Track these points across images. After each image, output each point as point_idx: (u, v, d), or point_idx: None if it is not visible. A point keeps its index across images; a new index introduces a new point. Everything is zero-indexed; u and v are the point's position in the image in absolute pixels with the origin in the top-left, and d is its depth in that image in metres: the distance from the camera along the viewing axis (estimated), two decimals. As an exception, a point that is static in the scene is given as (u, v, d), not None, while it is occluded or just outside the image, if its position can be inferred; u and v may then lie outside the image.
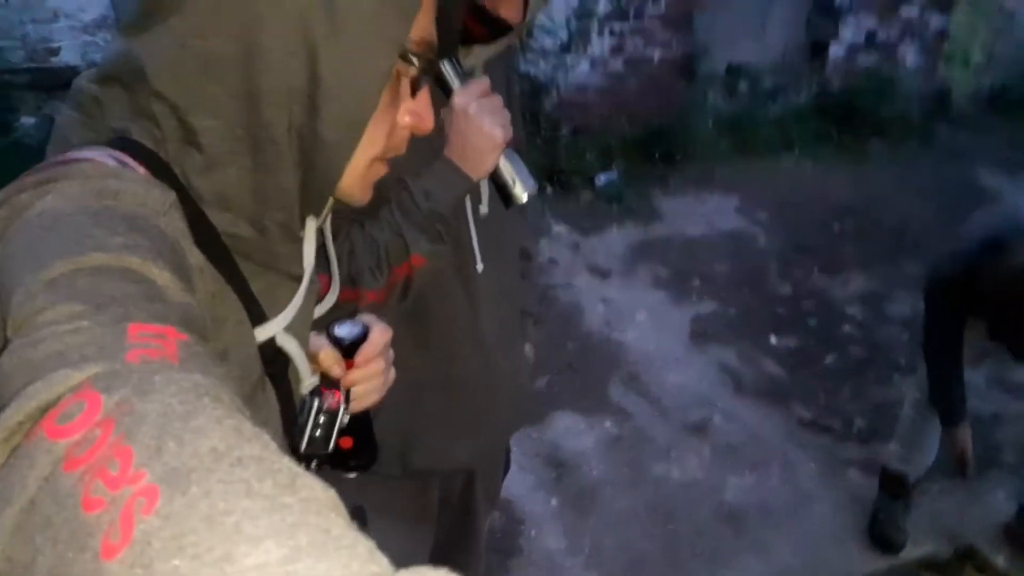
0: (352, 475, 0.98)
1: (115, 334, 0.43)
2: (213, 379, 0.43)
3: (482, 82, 1.17)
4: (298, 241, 0.72)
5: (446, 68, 1.15)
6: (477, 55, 1.23)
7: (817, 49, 5.62)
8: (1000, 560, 2.60)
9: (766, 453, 2.97)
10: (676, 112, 5.05)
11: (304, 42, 0.60)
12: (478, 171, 1.18)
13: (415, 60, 0.68)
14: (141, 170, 0.60)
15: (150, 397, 0.38)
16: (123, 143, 0.62)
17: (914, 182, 5.21)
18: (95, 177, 0.56)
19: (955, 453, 2.33)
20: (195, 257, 0.60)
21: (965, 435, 2.29)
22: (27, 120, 3.49)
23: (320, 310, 0.88)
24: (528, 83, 4.63)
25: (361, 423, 0.95)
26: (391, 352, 0.96)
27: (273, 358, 0.75)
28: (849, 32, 5.64)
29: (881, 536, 2.63)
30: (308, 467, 0.85)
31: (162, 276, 0.51)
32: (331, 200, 0.76)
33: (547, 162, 4.60)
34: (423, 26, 0.68)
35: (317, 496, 0.35)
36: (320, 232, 0.81)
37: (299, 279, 0.75)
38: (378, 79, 0.63)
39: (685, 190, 4.84)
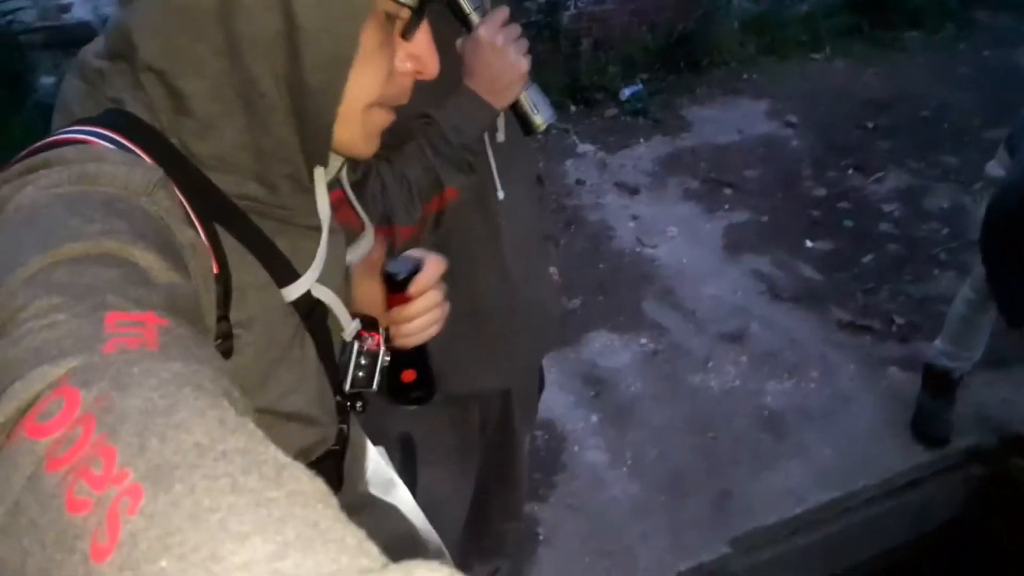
0: (413, 407, 1.02)
1: (92, 325, 0.43)
2: (195, 364, 0.42)
3: (502, 11, 1.16)
4: (309, 192, 0.72)
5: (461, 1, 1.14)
6: None
7: (845, -63, 5.36)
8: (1046, 448, 2.59)
9: (804, 357, 2.96)
10: (699, 16, 4.88)
11: None
12: (503, 102, 1.18)
13: (405, 1, 0.66)
14: (131, 147, 0.60)
15: (130, 391, 0.38)
16: (117, 116, 0.62)
17: (951, 71, 5.01)
18: (75, 162, 0.55)
19: None
20: (186, 235, 0.59)
21: None
22: (46, 80, 3.51)
23: (356, 254, 0.88)
24: (544, -1, 4.51)
25: (421, 356, 0.97)
26: (444, 284, 0.96)
27: (310, 311, 0.75)
28: (878, -84, 5.36)
29: (926, 432, 2.62)
30: (354, 407, 0.88)
31: (144, 257, 0.50)
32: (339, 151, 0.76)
33: (568, 79, 4.51)
34: None
35: (304, 488, 0.34)
36: (339, 182, 0.80)
37: (318, 229, 0.74)
38: (354, 18, 0.61)
39: (713, 97, 4.72)
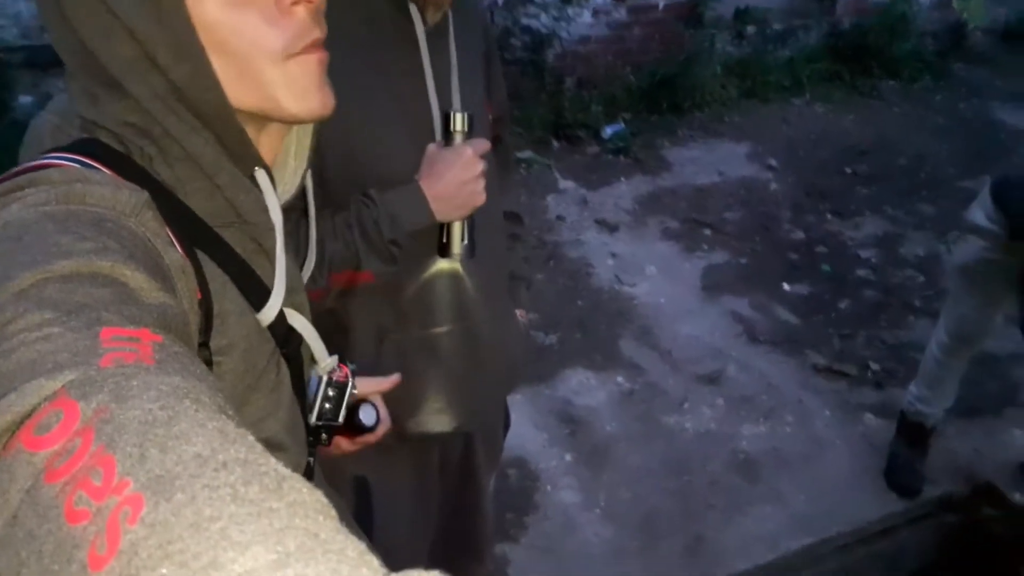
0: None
1: (88, 339, 0.42)
2: (192, 380, 0.42)
3: (484, 143, 1.22)
4: (252, 191, 0.69)
5: (457, 117, 1.18)
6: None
7: (826, -13, 5.48)
8: (1017, 497, 2.59)
9: (780, 401, 2.95)
10: (683, 60, 4.95)
11: (108, 14, 0.58)
12: (443, 216, 1.20)
13: None
14: (109, 172, 0.59)
15: (129, 403, 0.38)
16: (91, 145, 0.61)
17: (928, 121, 5.11)
18: (61, 183, 0.55)
19: None
20: (172, 256, 0.58)
21: None
22: (24, 99, 3.48)
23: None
24: (529, 36, 4.55)
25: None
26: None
27: (286, 337, 0.75)
28: (859, -32, 5.49)
29: (899, 482, 2.61)
30: (319, 439, 0.87)
31: (135, 278, 0.50)
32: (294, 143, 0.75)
33: (552, 116, 4.54)
34: None
35: (304, 499, 0.34)
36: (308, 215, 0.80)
37: (272, 230, 0.71)
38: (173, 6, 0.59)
39: (694, 139, 4.77)
